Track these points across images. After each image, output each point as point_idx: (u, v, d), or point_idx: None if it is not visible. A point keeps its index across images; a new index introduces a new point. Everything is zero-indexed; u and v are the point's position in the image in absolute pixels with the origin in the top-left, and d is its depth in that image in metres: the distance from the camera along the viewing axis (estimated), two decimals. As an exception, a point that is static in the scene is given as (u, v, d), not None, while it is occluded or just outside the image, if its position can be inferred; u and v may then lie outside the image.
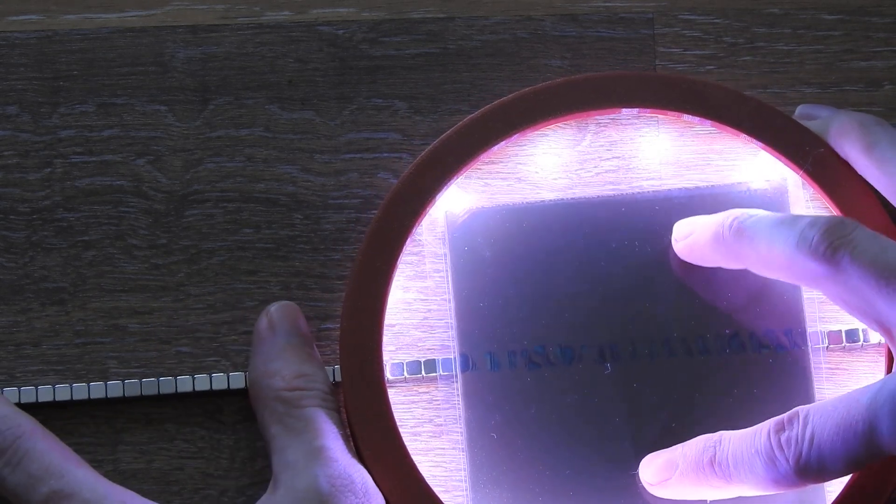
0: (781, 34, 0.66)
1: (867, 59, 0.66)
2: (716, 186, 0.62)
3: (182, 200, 0.64)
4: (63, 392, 0.61)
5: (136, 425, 0.62)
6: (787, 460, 0.54)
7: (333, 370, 0.61)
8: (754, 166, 0.64)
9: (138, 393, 0.61)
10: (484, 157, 0.63)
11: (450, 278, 0.62)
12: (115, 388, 0.61)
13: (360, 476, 0.58)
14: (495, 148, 0.63)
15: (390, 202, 0.61)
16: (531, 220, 0.62)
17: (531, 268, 0.62)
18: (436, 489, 0.60)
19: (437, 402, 0.61)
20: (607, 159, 0.64)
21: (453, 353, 0.61)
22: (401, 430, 0.60)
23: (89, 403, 0.62)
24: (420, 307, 0.62)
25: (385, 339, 0.61)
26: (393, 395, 0.61)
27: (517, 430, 0.60)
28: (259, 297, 0.63)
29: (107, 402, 0.62)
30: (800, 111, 0.64)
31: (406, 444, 0.60)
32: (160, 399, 0.62)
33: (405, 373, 0.61)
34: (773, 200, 0.62)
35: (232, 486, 0.62)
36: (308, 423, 0.59)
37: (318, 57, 0.66)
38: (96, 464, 0.61)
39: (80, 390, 0.61)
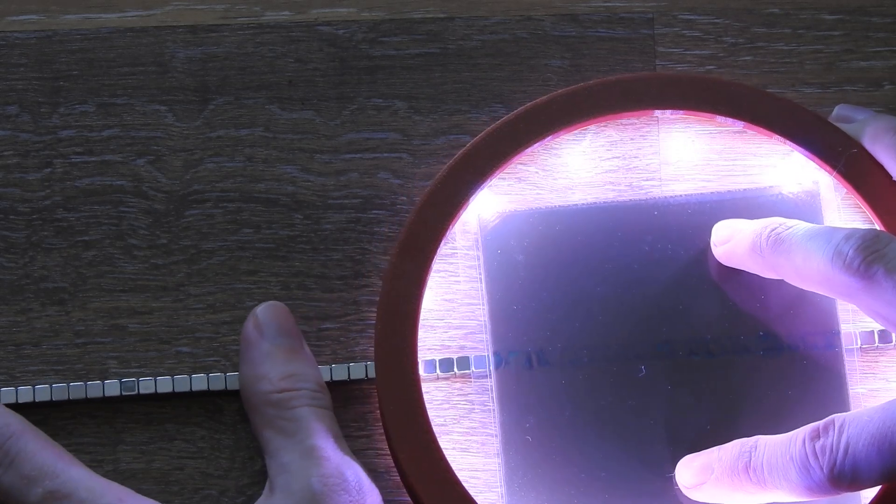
0: (781, 34, 0.66)
1: (867, 59, 0.66)
2: (748, 190, 0.62)
3: (182, 200, 0.64)
4: (62, 392, 0.61)
5: (136, 425, 0.62)
6: (822, 468, 0.54)
7: (331, 368, 0.61)
8: (754, 166, 0.64)
9: (139, 392, 0.61)
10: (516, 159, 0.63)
11: (483, 281, 0.62)
12: (114, 387, 0.61)
13: (354, 473, 0.58)
14: (528, 150, 0.63)
15: (424, 204, 0.61)
16: (564, 224, 0.62)
17: (564, 271, 0.62)
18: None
19: (437, 403, 0.61)
20: (607, 159, 0.64)
21: (487, 355, 0.61)
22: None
23: (89, 403, 0.62)
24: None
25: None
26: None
27: (552, 433, 0.60)
28: (259, 297, 0.63)
29: (107, 402, 0.62)
30: (837, 112, 0.64)
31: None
32: (160, 399, 0.62)
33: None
34: (805, 204, 0.62)
35: (232, 486, 0.62)
36: (299, 424, 0.59)
37: (318, 57, 0.66)
38: (96, 464, 0.61)
39: (79, 390, 0.61)
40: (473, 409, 0.61)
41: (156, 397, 0.62)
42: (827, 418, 0.55)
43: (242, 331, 0.61)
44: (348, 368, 0.61)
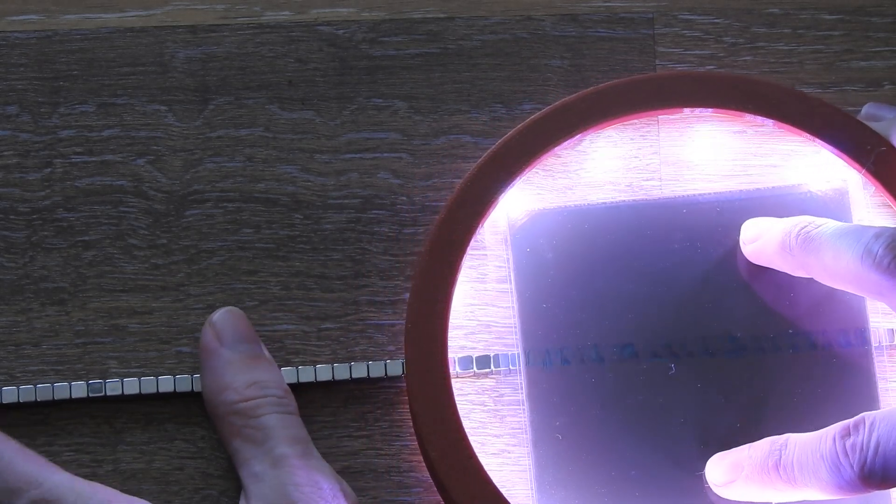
0: (781, 34, 0.66)
1: (867, 59, 0.66)
2: (777, 188, 0.63)
3: (182, 200, 0.64)
4: (63, 391, 0.61)
5: (136, 425, 0.62)
6: (852, 466, 0.54)
7: (332, 367, 0.61)
8: (754, 166, 0.64)
9: (137, 391, 0.61)
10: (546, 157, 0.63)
11: (512, 279, 0.62)
12: (113, 386, 0.61)
13: (327, 479, 0.58)
14: (557, 149, 0.62)
15: (454, 202, 0.61)
16: (593, 222, 0.62)
17: (594, 269, 0.62)
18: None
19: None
20: (607, 159, 0.64)
21: (517, 353, 0.61)
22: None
23: (89, 403, 0.62)
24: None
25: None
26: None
27: (582, 431, 0.60)
28: (259, 297, 0.63)
29: (107, 402, 0.62)
30: (866, 111, 0.64)
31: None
32: (160, 399, 0.62)
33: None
34: (834, 203, 0.62)
35: (232, 486, 0.62)
36: (268, 432, 0.59)
37: (318, 57, 0.66)
38: (96, 464, 0.61)
39: (79, 389, 0.61)
40: (499, 406, 0.61)
41: (156, 397, 0.62)
42: (857, 416, 0.55)
43: (201, 340, 0.61)
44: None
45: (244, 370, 0.60)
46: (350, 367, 0.61)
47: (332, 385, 0.62)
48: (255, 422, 0.59)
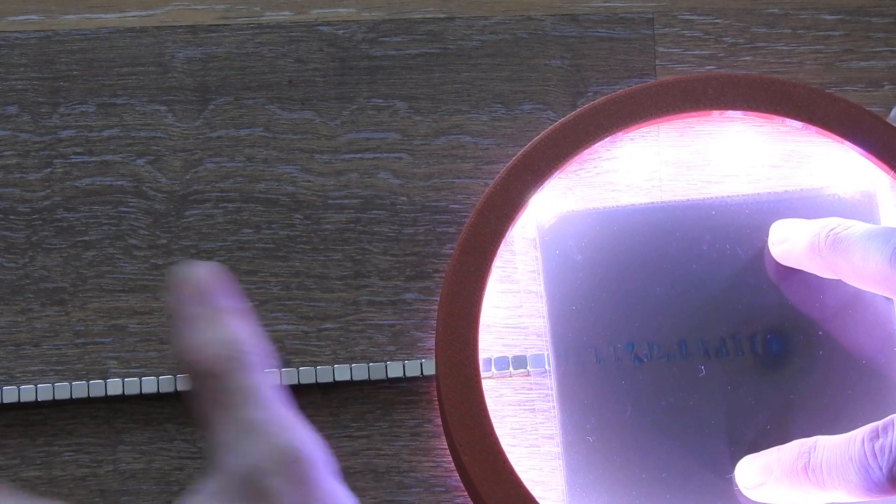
0: (781, 34, 0.66)
1: (867, 59, 0.66)
2: (805, 190, 0.63)
3: (182, 200, 0.64)
4: (63, 391, 0.61)
5: (136, 425, 0.62)
6: (881, 468, 0.54)
7: (333, 369, 0.61)
8: (755, 166, 0.64)
9: (137, 392, 0.61)
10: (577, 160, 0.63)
11: (542, 281, 0.62)
12: (113, 386, 0.61)
13: (294, 447, 0.50)
14: (586, 152, 0.62)
15: (484, 205, 0.61)
16: (621, 224, 0.62)
17: (623, 271, 0.62)
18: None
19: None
20: (606, 160, 0.64)
21: (547, 354, 0.61)
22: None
23: (90, 403, 0.62)
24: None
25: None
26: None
27: (612, 433, 0.60)
28: (259, 297, 0.63)
29: (107, 402, 0.62)
30: (895, 113, 0.64)
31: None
32: (160, 399, 0.62)
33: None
34: (862, 205, 0.62)
35: (232, 486, 0.62)
36: (237, 395, 0.51)
37: (318, 57, 0.66)
38: (96, 464, 0.61)
39: (79, 389, 0.61)
40: (530, 408, 0.61)
41: (156, 397, 0.62)
42: (886, 418, 0.55)
43: (167, 301, 0.58)
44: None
45: (216, 329, 0.52)
46: (351, 369, 0.61)
47: (332, 386, 0.62)
48: (225, 384, 0.51)
